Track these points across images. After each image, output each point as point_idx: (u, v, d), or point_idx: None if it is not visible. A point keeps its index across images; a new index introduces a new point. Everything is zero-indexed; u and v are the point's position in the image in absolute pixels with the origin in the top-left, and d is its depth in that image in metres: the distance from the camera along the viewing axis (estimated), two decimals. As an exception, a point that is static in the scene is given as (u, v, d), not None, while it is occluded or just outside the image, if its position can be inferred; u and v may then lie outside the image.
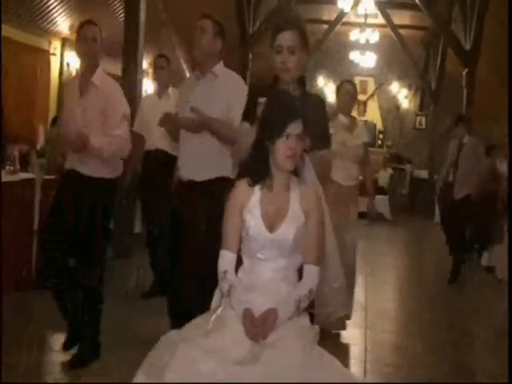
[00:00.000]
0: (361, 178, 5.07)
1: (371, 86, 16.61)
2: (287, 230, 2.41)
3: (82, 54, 3.82)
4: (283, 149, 2.40)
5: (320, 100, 3.05)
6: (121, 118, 3.72)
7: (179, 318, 3.33)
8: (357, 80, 16.97)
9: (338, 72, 16.71)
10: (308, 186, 2.52)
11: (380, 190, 13.00)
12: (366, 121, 4.48)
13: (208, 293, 3.29)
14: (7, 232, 4.67)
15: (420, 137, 16.43)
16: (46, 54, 8.93)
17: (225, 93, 3.56)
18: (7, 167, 4.93)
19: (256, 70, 11.07)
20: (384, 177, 14.29)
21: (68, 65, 9.44)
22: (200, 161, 3.60)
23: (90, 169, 3.69)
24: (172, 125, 3.72)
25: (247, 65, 11.23)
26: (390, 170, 14.63)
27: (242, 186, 2.52)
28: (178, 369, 2.11)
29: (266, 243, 2.42)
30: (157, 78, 5.63)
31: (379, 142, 16.24)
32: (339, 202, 4.45)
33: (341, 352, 4.28)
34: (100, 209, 3.73)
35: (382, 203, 12.46)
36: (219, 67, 3.65)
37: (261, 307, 2.31)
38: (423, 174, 15.07)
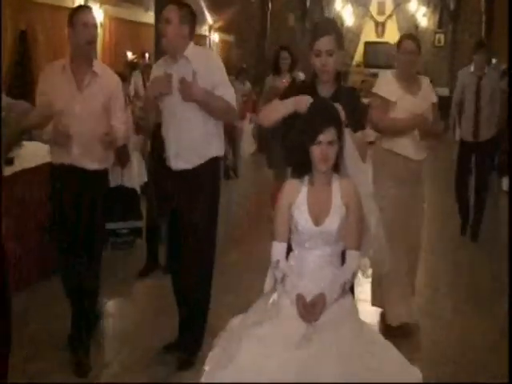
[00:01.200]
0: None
1: (389, 7, 16.47)
2: (331, 223, 2.80)
3: (87, 43, 3.55)
4: (316, 154, 2.77)
5: (353, 92, 3.35)
6: (124, 103, 3.79)
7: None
8: (375, 1, 16.93)
9: (356, -6, 16.61)
10: (346, 180, 2.88)
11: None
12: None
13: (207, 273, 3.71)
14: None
15: (439, 55, 16.37)
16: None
17: (204, 73, 3.51)
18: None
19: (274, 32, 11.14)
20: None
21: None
22: (189, 148, 3.61)
23: (96, 161, 3.64)
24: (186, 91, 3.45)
25: (267, 6, 11.30)
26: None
27: (291, 185, 2.90)
28: (244, 354, 2.52)
29: (312, 235, 2.81)
30: None
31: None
32: (407, 179, 4.21)
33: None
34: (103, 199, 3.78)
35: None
36: (190, 50, 3.60)
37: (310, 292, 2.71)
38: (445, 91, 15.14)
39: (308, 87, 3.18)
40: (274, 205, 3.30)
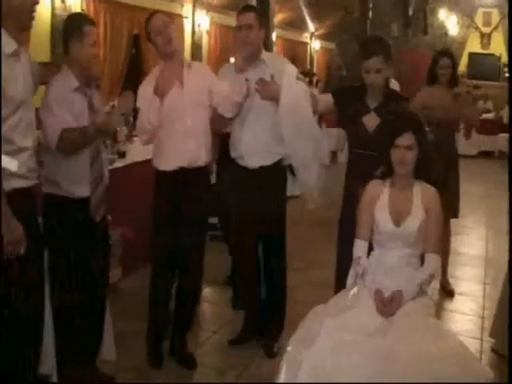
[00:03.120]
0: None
1: (495, 18, 16.08)
2: (411, 225, 2.96)
3: (243, 44, 3.62)
4: (394, 157, 2.97)
5: (402, 102, 3.47)
6: None
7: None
8: (480, 12, 16.57)
9: (460, 4, 16.31)
10: (428, 185, 3.05)
11: (505, 128, 12.72)
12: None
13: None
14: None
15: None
16: (179, 18, 9.45)
17: (279, 79, 3.49)
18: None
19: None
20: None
21: (199, 26, 10.13)
22: (270, 144, 3.70)
23: (204, 162, 3.64)
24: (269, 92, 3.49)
25: (367, 15, 11.45)
26: (515, 106, 14.26)
27: (374, 186, 3.09)
28: (326, 337, 2.69)
29: (393, 236, 2.98)
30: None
31: (505, 75, 15.75)
32: None
33: (458, 308, 4.73)
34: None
35: (506, 142, 12.12)
36: (264, 55, 3.74)
37: (388, 288, 2.87)
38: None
39: (357, 93, 3.47)
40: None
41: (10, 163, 2.04)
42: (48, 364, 3.20)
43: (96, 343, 3.47)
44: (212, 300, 4.75)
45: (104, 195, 3.28)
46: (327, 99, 3.58)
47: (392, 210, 3.00)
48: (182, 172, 3.53)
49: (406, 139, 2.93)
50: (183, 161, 3.53)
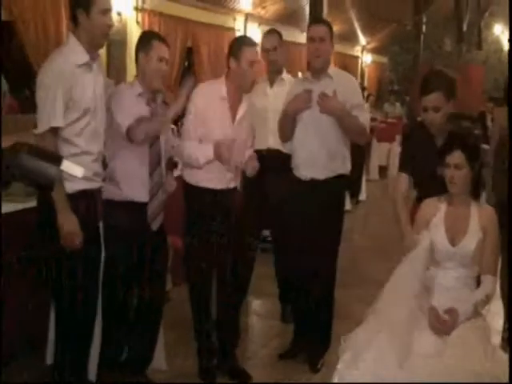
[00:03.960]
0: None
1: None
2: (467, 244, 2.89)
3: (251, 84, 3.54)
4: (445, 176, 2.93)
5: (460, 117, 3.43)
6: None
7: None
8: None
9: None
10: (486, 205, 2.99)
11: None
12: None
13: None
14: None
15: None
16: (231, 32, 9.48)
17: (343, 94, 3.60)
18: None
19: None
20: None
21: (251, 39, 10.17)
22: (325, 158, 3.69)
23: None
24: (328, 106, 3.54)
25: (421, 29, 11.34)
26: None
27: (429, 203, 3.04)
28: (378, 357, 2.63)
29: (448, 255, 2.92)
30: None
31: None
32: None
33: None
34: None
35: None
36: (331, 70, 3.76)
37: (443, 307, 2.81)
38: None
39: (425, 130, 3.26)
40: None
41: (75, 169, 2.07)
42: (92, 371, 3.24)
43: (149, 352, 3.49)
44: (261, 313, 4.74)
45: (163, 205, 3.36)
46: (405, 183, 3.35)
47: (448, 228, 2.95)
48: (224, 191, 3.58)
49: (455, 158, 2.89)
50: (229, 181, 3.58)
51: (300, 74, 10.24)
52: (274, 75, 4.37)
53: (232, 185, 3.61)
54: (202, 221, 3.55)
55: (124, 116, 3.15)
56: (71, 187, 2.77)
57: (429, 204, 3.05)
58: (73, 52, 2.86)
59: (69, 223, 2.75)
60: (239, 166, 3.58)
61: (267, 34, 4.44)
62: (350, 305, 4.65)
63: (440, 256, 2.95)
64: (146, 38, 3.33)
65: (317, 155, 3.69)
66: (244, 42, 3.55)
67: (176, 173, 4.19)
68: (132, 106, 3.21)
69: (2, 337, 2.93)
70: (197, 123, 3.48)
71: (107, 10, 2.93)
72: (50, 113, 2.74)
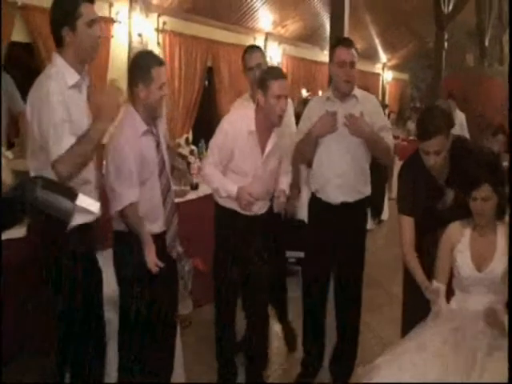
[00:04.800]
0: None
1: None
2: (495, 269, 2.81)
3: (280, 116, 3.38)
4: (472, 208, 2.85)
5: (467, 150, 3.14)
6: None
7: None
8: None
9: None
10: None
11: None
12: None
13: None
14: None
15: None
16: None
17: (369, 115, 3.55)
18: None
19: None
20: None
21: (271, 58, 10.18)
22: (354, 180, 3.64)
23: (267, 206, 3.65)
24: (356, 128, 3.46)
25: (443, 45, 11.28)
26: None
27: (454, 228, 2.96)
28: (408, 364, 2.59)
29: (475, 281, 2.84)
30: None
31: None
32: None
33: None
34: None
35: None
36: (356, 90, 3.67)
37: (473, 332, 2.71)
38: None
39: (422, 164, 3.08)
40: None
41: (91, 204, 1.98)
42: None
43: (165, 376, 3.41)
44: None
45: (177, 229, 3.26)
46: (411, 231, 3.16)
47: (474, 254, 2.87)
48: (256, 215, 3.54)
49: (483, 191, 2.80)
50: (258, 209, 3.54)
51: (320, 93, 10.44)
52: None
53: (262, 211, 3.55)
54: (230, 242, 3.52)
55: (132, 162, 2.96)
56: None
57: (453, 229, 2.97)
58: (61, 73, 2.70)
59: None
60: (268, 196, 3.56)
61: (250, 51, 4.08)
62: (374, 324, 4.57)
63: (467, 282, 2.88)
64: (144, 66, 2.97)
65: (347, 177, 3.61)
66: (271, 75, 3.39)
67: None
68: (138, 149, 2.99)
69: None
70: (223, 154, 3.42)
71: (94, 21, 2.76)
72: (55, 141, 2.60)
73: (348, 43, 3.60)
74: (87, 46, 2.76)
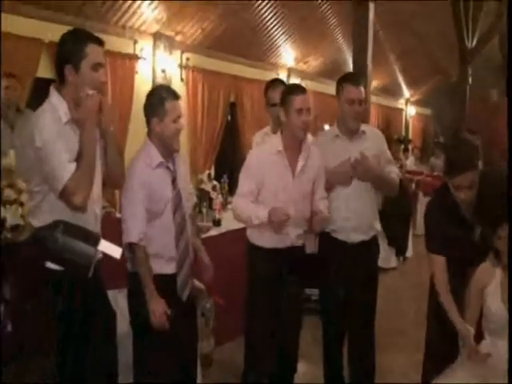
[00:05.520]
0: None
1: None
2: None
3: (303, 129, 3.36)
4: (499, 248, 2.77)
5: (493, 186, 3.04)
6: None
7: None
8: None
9: None
10: None
11: None
12: None
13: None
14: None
15: None
16: None
17: (376, 149, 3.61)
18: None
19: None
20: None
21: (294, 93, 10.22)
22: (369, 218, 3.68)
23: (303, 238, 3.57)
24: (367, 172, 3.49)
25: (467, 80, 11.24)
26: None
27: (485, 269, 2.87)
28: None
29: (506, 322, 2.73)
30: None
31: None
32: None
33: None
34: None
35: None
36: (363, 125, 3.68)
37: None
38: None
39: (450, 199, 3.03)
40: None
41: (113, 250, 1.92)
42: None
43: None
44: (305, 378, 4.52)
45: (190, 271, 3.16)
46: (444, 271, 3.10)
47: (505, 296, 2.77)
48: (289, 249, 3.47)
49: (504, 230, 2.73)
50: (294, 239, 3.48)
51: (326, 127, 10.33)
52: (277, 128, 3.80)
53: (298, 243, 3.47)
54: (263, 280, 3.46)
55: (135, 218, 2.92)
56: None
57: (484, 270, 2.88)
58: (55, 109, 2.59)
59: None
60: (305, 220, 3.48)
61: (274, 86, 4.06)
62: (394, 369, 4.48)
63: (497, 325, 2.78)
64: (158, 99, 2.96)
65: (364, 216, 3.65)
66: (291, 90, 3.41)
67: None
68: (151, 184, 2.97)
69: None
70: (252, 180, 3.39)
71: (99, 65, 2.64)
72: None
73: (357, 81, 3.60)
74: (89, 89, 2.61)
